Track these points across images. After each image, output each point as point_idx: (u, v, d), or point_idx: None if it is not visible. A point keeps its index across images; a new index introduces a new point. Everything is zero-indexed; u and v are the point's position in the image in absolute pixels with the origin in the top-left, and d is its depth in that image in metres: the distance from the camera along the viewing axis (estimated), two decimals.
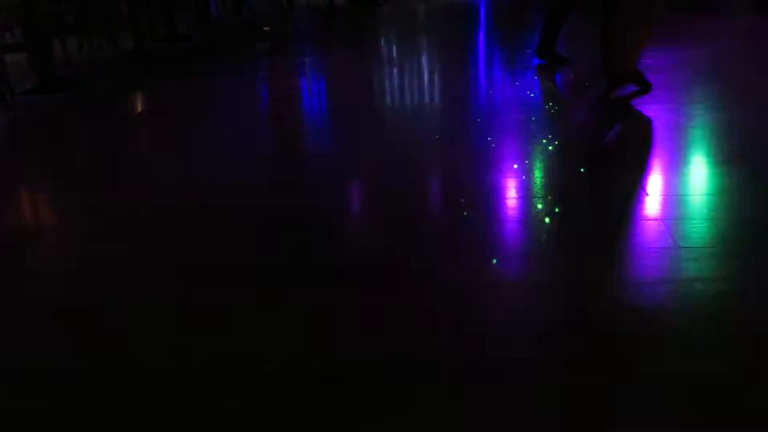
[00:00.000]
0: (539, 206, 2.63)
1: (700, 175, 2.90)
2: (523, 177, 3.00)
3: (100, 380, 1.71)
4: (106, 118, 4.43)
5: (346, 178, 3.21)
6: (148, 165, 3.42)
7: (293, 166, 3.31)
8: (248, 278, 2.21)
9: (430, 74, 5.35)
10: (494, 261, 2.22)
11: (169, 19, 7.39)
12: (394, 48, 6.61)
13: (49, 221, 2.91)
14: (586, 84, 4.58)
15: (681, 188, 2.75)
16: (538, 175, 3.02)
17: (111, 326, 1.96)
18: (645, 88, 4.10)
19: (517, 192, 2.83)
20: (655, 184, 2.81)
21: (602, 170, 3.00)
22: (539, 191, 2.81)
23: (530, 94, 4.33)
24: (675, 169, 2.96)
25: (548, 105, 4.07)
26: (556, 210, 2.58)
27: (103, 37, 6.85)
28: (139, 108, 4.87)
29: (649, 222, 2.46)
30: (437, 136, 3.61)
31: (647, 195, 2.68)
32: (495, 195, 2.82)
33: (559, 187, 2.84)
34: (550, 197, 2.72)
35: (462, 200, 2.73)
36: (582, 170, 2.98)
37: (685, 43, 5.46)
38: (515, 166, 3.10)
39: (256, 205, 2.82)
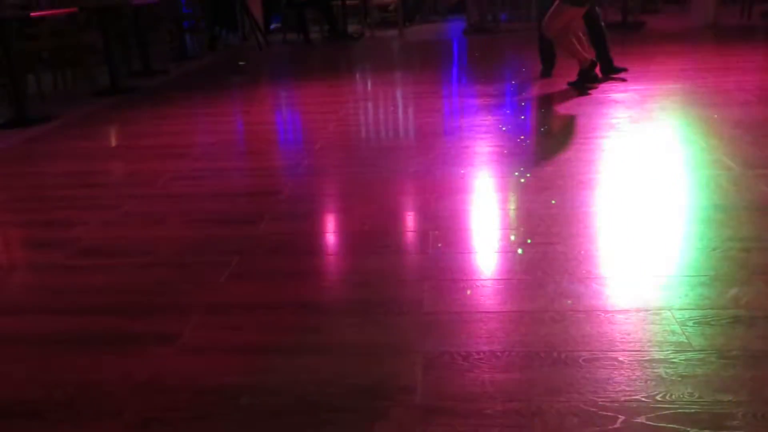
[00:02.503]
0: (512, 237, 2.68)
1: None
2: (498, 207, 3.05)
3: None
4: (77, 152, 4.42)
5: (321, 210, 3.24)
6: (115, 201, 3.41)
7: (264, 198, 3.32)
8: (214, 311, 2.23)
9: (404, 107, 5.43)
10: (468, 292, 2.26)
11: (144, 53, 7.42)
12: (369, 82, 6.70)
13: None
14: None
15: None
16: (511, 205, 3.08)
17: None
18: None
19: (491, 223, 2.88)
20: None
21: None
22: (513, 221, 2.87)
23: (502, 128, 4.42)
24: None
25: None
26: (528, 240, 2.63)
27: (77, 72, 6.85)
28: (114, 141, 4.87)
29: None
30: (411, 169, 3.66)
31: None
32: (470, 226, 2.87)
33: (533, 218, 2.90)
34: (522, 228, 2.77)
35: (436, 232, 2.77)
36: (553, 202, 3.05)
37: None
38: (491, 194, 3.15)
39: (225, 236, 2.84)
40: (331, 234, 2.95)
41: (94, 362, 1.96)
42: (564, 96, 5.29)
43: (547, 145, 4.05)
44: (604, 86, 5.46)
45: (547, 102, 5.20)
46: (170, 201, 3.37)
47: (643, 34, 8.50)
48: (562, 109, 4.93)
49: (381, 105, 5.56)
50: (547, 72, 6.08)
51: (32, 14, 5.93)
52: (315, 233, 2.93)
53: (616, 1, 8.79)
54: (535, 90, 5.64)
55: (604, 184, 3.28)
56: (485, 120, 4.64)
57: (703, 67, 6.07)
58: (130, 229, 3.03)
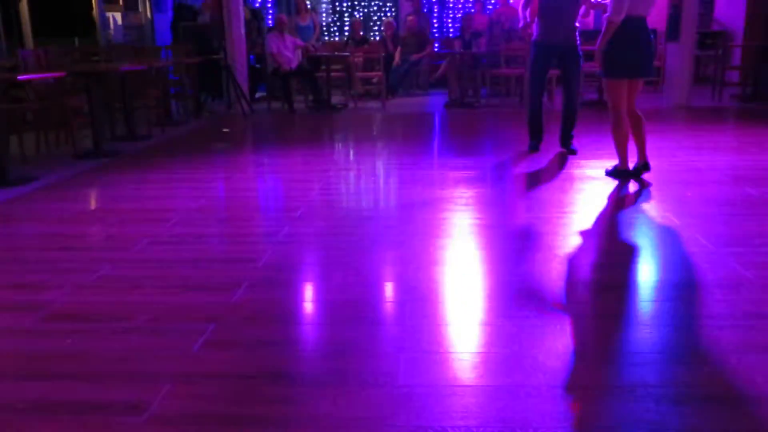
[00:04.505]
0: (490, 309, 2.68)
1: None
2: (475, 279, 3.07)
3: None
4: (55, 214, 4.40)
5: (299, 278, 3.23)
6: (91, 264, 3.38)
7: (243, 265, 3.31)
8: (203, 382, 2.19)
9: (385, 178, 5.49)
10: (444, 364, 2.25)
11: (129, 118, 7.48)
12: (351, 152, 6.79)
13: None
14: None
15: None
16: (489, 278, 3.09)
17: None
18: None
19: (468, 295, 2.89)
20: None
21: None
22: (490, 294, 2.88)
23: (480, 200, 4.48)
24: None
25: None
26: (506, 313, 2.64)
27: (61, 134, 6.88)
28: (93, 204, 4.86)
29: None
30: (391, 239, 3.69)
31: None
32: (448, 297, 2.88)
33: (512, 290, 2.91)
34: (500, 300, 2.78)
35: (413, 303, 2.77)
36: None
37: None
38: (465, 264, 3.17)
39: (201, 303, 2.81)
40: (308, 303, 2.93)
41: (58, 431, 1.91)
42: (542, 171, 5.40)
43: (524, 219, 4.11)
44: (580, 162, 5.58)
45: (524, 176, 5.30)
46: (147, 266, 3.34)
47: None
48: (540, 183, 5.02)
49: (362, 175, 5.62)
50: (535, 147, 6.15)
51: (19, 77, 5.99)
52: (292, 302, 2.91)
53: (592, 79, 9.07)
54: (513, 164, 5.75)
55: (580, 259, 3.31)
56: (464, 192, 4.71)
57: (677, 146, 6.24)
58: (105, 293, 3.00)
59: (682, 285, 2.93)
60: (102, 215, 4.49)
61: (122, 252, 3.56)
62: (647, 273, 3.12)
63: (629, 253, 3.42)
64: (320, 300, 2.95)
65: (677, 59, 8.91)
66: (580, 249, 3.46)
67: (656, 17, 10.10)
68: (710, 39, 10.41)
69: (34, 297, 2.96)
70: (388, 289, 3.03)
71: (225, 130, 8.34)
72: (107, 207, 4.75)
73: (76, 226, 4.16)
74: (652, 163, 4.94)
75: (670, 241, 3.56)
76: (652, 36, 4.69)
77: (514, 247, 3.48)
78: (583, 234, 3.72)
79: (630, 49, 4.63)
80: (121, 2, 11.92)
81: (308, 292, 3.07)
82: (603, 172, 5.07)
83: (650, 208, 4.20)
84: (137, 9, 12.22)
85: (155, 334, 2.55)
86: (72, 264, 3.40)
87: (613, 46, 4.67)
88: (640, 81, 4.83)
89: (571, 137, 6.07)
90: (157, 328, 2.60)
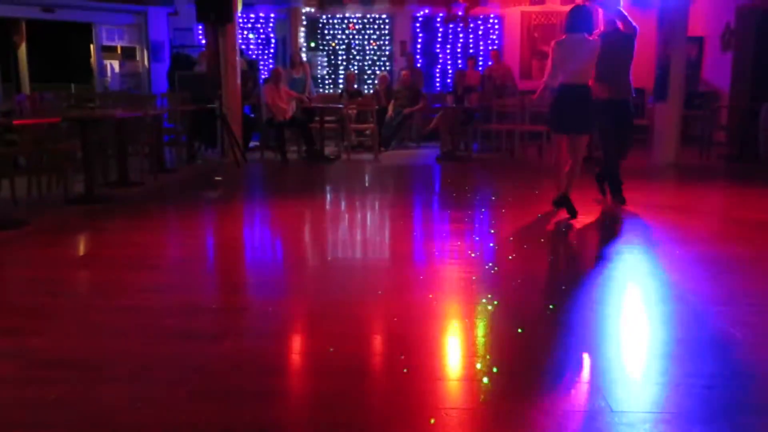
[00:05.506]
0: (478, 365, 2.67)
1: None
2: (466, 333, 3.05)
3: None
4: (44, 259, 4.37)
5: (287, 329, 3.21)
6: (79, 311, 3.35)
7: (230, 315, 3.29)
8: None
9: (376, 230, 5.51)
10: (432, 420, 2.22)
11: (122, 164, 7.50)
12: (343, 203, 6.82)
13: None
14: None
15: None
16: (478, 333, 3.08)
17: None
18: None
19: (458, 350, 2.87)
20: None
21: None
22: (480, 349, 2.86)
23: (471, 253, 4.49)
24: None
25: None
26: (495, 369, 2.62)
27: (53, 179, 6.88)
28: (83, 250, 4.84)
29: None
30: (380, 291, 3.68)
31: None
32: (436, 352, 2.86)
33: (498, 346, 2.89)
34: (489, 356, 2.76)
35: (402, 357, 2.75)
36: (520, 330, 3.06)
37: None
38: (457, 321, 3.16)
39: (188, 352, 2.78)
40: (295, 354, 2.90)
41: None
42: (532, 225, 5.42)
43: (514, 274, 4.11)
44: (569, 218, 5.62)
45: (515, 230, 5.32)
46: (134, 313, 3.31)
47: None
48: (531, 238, 5.04)
49: (353, 226, 5.64)
50: (619, 197, 6.11)
51: (15, 122, 6.02)
52: (279, 353, 2.88)
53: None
54: (504, 217, 5.78)
55: (570, 315, 3.31)
56: (455, 245, 4.72)
57: (665, 204, 6.31)
58: (91, 341, 2.96)
59: (671, 343, 2.92)
60: (90, 261, 4.46)
61: (109, 299, 3.53)
62: (635, 330, 3.11)
63: (618, 309, 3.41)
64: (308, 351, 2.92)
65: (665, 118, 9.07)
66: (569, 303, 3.46)
67: (644, 77, 10.35)
68: (698, 99, 10.62)
69: (19, 343, 2.92)
70: (378, 342, 3.00)
71: (218, 178, 8.37)
72: (96, 253, 4.73)
73: (64, 271, 4.13)
74: (642, 220, 4.98)
75: (659, 298, 3.57)
76: (586, 100, 5.38)
77: (503, 302, 3.47)
78: (574, 288, 3.73)
79: (566, 110, 5.44)
80: (119, 50, 12.11)
81: (296, 343, 3.05)
82: (596, 223, 5.11)
83: (639, 265, 4.22)
84: (135, 57, 12.42)
85: (139, 384, 2.51)
86: (58, 310, 3.36)
87: (553, 109, 5.57)
88: (582, 135, 5.55)
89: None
90: (141, 377, 2.56)
